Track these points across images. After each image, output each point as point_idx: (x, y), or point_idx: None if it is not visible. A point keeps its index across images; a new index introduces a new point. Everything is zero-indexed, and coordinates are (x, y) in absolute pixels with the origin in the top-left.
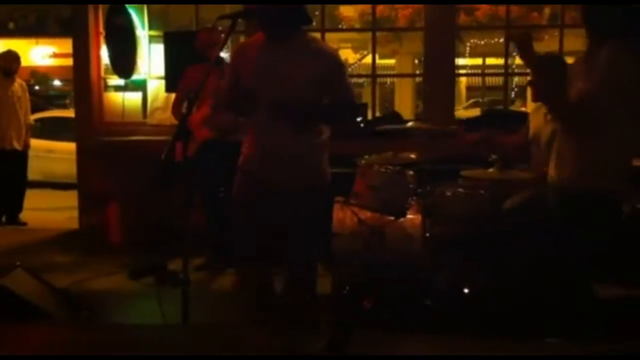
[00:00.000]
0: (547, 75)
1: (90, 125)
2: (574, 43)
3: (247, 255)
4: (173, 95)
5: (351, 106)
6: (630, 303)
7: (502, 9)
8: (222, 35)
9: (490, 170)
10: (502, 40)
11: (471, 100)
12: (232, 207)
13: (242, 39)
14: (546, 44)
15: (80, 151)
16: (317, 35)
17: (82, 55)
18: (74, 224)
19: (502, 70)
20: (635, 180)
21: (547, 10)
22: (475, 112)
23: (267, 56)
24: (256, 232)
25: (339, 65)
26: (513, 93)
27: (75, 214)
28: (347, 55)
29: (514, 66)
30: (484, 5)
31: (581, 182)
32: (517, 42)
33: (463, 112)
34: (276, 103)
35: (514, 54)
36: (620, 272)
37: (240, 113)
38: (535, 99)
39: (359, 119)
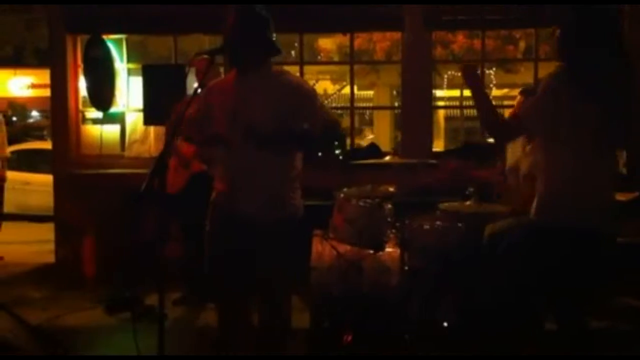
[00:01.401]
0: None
1: (67, 157)
2: None
3: (222, 290)
4: (152, 128)
5: (323, 134)
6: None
7: (477, 42)
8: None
9: (468, 203)
10: (479, 71)
11: None
12: (207, 243)
13: (221, 69)
14: (521, 76)
15: (57, 184)
16: (296, 67)
17: (59, 87)
18: (50, 258)
19: None
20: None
21: (522, 43)
22: None
23: (239, 90)
24: (232, 266)
25: (308, 95)
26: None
27: (51, 247)
28: (326, 86)
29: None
30: (460, 38)
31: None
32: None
33: None
34: (249, 132)
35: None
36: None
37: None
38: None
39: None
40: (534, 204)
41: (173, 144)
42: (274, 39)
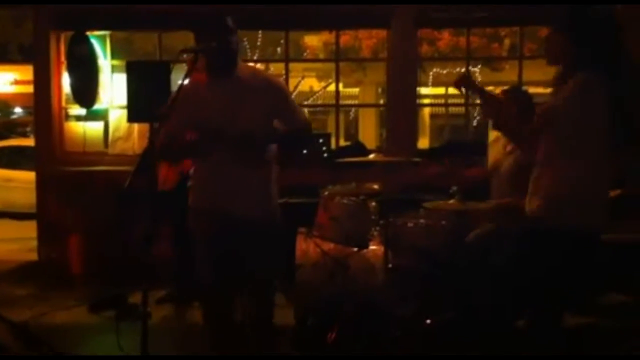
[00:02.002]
0: (514, 105)
1: (50, 154)
2: (533, 73)
3: (209, 288)
4: (135, 125)
5: (307, 127)
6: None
7: (462, 40)
8: None
9: (451, 201)
10: (463, 69)
11: None
12: (195, 244)
13: None
14: (506, 74)
15: (40, 181)
16: (282, 64)
17: (43, 83)
18: (33, 256)
19: (463, 100)
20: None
21: (507, 41)
22: None
23: (221, 94)
24: (216, 266)
25: (285, 90)
26: (475, 121)
27: (34, 245)
28: (312, 83)
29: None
30: (446, 36)
31: (550, 214)
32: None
33: None
34: (237, 138)
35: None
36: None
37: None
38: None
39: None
40: (537, 202)
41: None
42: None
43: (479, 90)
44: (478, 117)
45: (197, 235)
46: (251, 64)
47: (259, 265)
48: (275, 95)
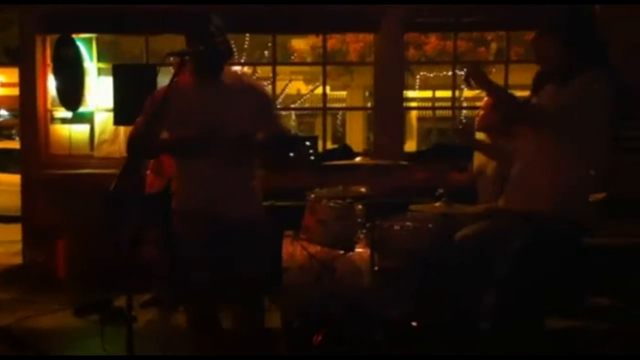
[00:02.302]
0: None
1: (36, 157)
2: (519, 77)
3: (196, 292)
4: (121, 128)
5: (286, 137)
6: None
7: (450, 44)
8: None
9: (438, 204)
10: (450, 73)
11: None
12: (180, 247)
13: None
14: (493, 78)
15: (25, 184)
16: (269, 68)
17: (28, 86)
18: (18, 259)
19: (451, 103)
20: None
21: (493, 45)
22: None
23: (208, 97)
24: (202, 269)
25: (269, 100)
26: (461, 125)
27: (19, 248)
28: (299, 86)
29: (462, 99)
30: (433, 40)
31: (557, 212)
32: (471, 75)
33: None
34: (224, 141)
35: (462, 87)
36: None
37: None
38: (480, 127)
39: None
40: (546, 200)
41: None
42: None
43: (488, 85)
44: (465, 121)
45: (184, 238)
46: (238, 67)
47: (247, 268)
48: (259, 101)
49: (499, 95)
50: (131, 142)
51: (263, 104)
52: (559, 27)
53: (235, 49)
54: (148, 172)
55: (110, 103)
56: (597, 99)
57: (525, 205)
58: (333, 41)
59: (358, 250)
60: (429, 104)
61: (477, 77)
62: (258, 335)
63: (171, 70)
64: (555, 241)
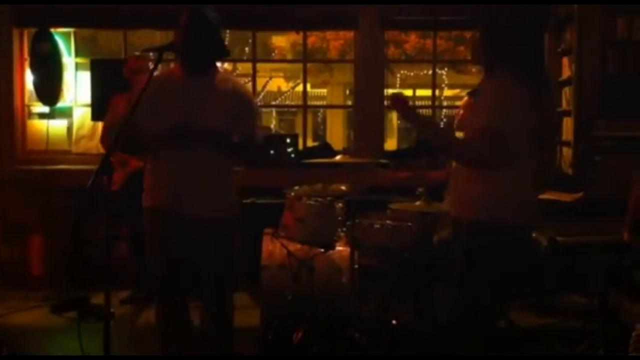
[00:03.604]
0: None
1: (12, 153)
2: None
3: (164, 290)
4: (100, 124)
5: (259, 147)
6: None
7: (429, 42)
8: (150, 63)
9: (417, 202)
10: (430, 72)
11: None
12: (149, 244)
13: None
14: (472, 77)
15: (1, 180)
16: (249, 64)
17: (5, 81)
18: None
19: (430, 102)
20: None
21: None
22: None
23: (190, 89)
24: (173, 267)
25: (252, 106)
26: (442, 123)
27: None
28: (280, 83)
29: (442, 98)
30: (413, 38)
31: (484, 217)
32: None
33: None
34: (209, 135)
35: (443, 85)
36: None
37: (139, 147)
38: (459, 126)
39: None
40: (469, 207)
41: (109, 141)
42: (224, 41)
43: (413, 116)
44: (445, 120)
45: (152, 234)
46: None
47: (209, 267)
48: (241, 104)
49: (425, 129)
50: (122, 143)
51: (244, 109)
52: (482, 23)
53: None
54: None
55: (88, 98)
56: (506, 101)
57: (453, 211)
58: (313, 38)
59: (338, 248)
60: (410, 103)
61: (400, 109)
62: (223, 333)
63: (149, 64)
64: (483, 247)
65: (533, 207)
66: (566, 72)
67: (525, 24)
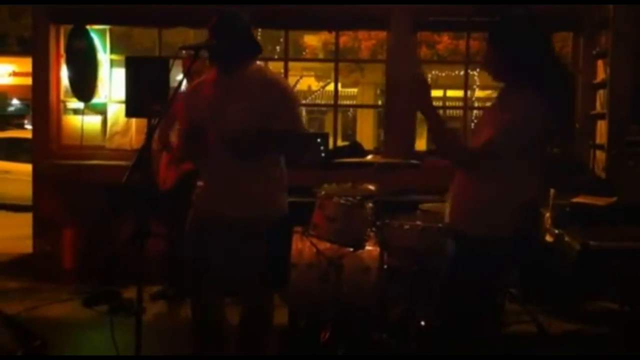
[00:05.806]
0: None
1: (47, 147)
2: None
3: (199, 288)
4: (133, 120)
5: (300, 137)
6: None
7: (462, 43)
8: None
9: (447, 203)
10: (462, 73)
11: None
12: (185, 242)
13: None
14: None
15: (36, 174)
16: (281, 63)
17: (41, 76)
18: (28, 248)
19: (462, 103)
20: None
21: None
22: None
23: (218, 91)
24: (209, 265)
25: (288, 97)
26: (472, 124)
27: (29, 237)
28: (310, 83)
29: (473, 99)
30: (445, 39)
31: (479, 226)
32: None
33: None
34: (224, 136)
35: (474, 86)
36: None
37: (192, 152)
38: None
39: (321, 149)
40: (462, 217)
41: (168, 140)
42: (256, 39)
43: (426, 102)
44: (475, 121)
45: (190, 231)
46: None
47: (251, 266)
48: (276, 93)
49: (433, 124)
50: (185, 153)
51: (282, 99)
52: (492, 33)
53: None
54: (162, 167)
55: (122, 95)
56: (527, 125)
57: (449, 222)
58: (345, 38)
59: (368, 248)
60: (440, 104)
61: (419, 89)
62: (262, 332)
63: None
64: (477, 259)
65: (528, 215)
66: (600, 75)
67: (535, 35)
